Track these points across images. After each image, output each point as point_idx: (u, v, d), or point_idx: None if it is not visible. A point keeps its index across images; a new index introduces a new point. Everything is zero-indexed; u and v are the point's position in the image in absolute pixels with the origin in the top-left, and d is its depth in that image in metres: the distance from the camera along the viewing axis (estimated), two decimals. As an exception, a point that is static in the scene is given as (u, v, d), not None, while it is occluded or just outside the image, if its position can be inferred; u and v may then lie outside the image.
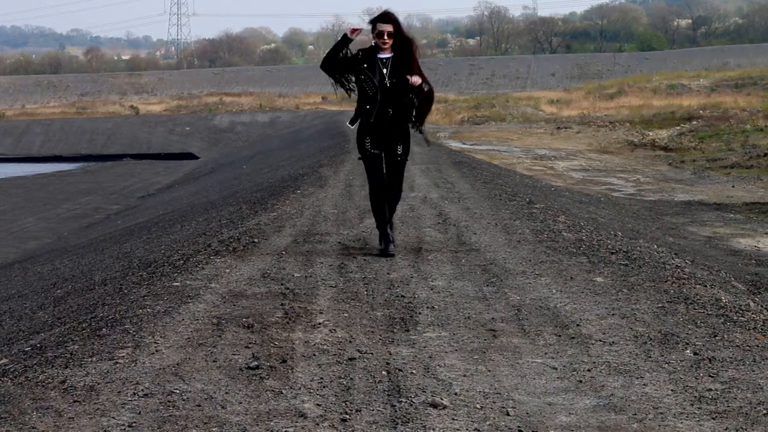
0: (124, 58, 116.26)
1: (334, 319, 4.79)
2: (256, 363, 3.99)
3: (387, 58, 6.66)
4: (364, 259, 6.47)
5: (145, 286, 5.78)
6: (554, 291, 5.43)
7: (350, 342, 4.38)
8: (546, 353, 4.22)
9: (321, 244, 7.05)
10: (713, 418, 3.42)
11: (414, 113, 6.73)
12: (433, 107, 6.95)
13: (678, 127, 28.94)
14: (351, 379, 3.85)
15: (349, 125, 6.92)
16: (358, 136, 6.76)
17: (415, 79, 6.56)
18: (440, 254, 6.63)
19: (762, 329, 4.65)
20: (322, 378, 3.86)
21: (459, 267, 6.17)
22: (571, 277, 5.80)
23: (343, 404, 3.55)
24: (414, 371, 3.96)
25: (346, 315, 4.88)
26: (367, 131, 6.69)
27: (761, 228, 10.92)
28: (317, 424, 3.36)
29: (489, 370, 3.98)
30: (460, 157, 17.58)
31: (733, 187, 16.31)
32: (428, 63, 70.89)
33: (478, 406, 3.55)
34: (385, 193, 6.77)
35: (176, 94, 69.12)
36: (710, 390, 3.71)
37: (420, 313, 4.93)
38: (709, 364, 4.03)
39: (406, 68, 6.62)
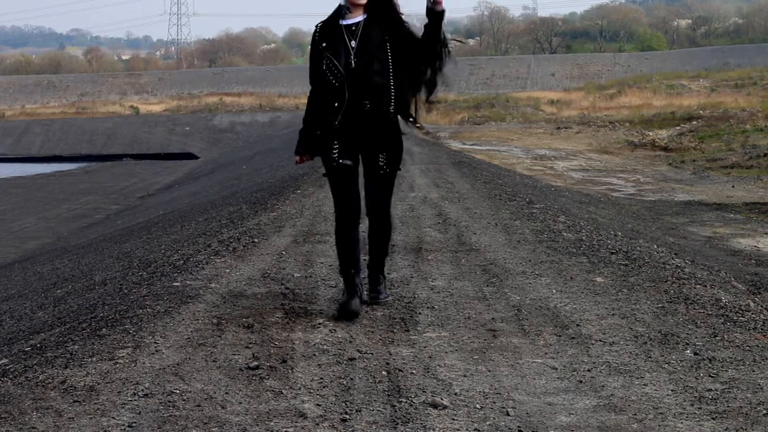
0: (124, 58, 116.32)
1: (334, 319, 4.79)
2: (256, 363, 3.99)
3: (356, 24, 4.62)
4: (365, 260, 6.46)
5: (145, 286, 5.78)
6: (554, 291, 5.43)
7: (350, 342, 4.38)
8: (546, 353, 4.22)
9: (321, 244, 7.04)
10: (713, 418, 3.42)
11: (418, 89, 4.79)
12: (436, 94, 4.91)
13: (678, 127, 28.94)
14: (351, 379, 3.85)
15: (298, 158, 4.89)
16: (322, 141, 4.76)
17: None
18: (440, 254, 6.63)
19: (762, 329, 4.66)
20: (322, 378, 3.86)
21: (459, 267, 6.17)
22: (571, 277, 5.80)
23: (343, 404, 3.55)
24: (414, 371, 3.96)
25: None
26: (333, 134, 4.71)
27: (761, 228, 10.91)
28: (317, 424, 3.35)
29: (489, 370, 3.98)
30: (460, 157, 17.58)
31: (733, 187, 16.30)
32: (428, 63, 70.76)
33: (478, 406, 3.55)
34: (357, 223, 4.91)
35: (176, 94, 69.10)
36: (710, 390, 3.71)
37: (420, 313, 4.93)
38: (709, 364, 4.03)
39: (389, 31, 4.62)
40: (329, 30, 4.67)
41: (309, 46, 4.84)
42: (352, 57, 4.58)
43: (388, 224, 5.03)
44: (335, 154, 4.71)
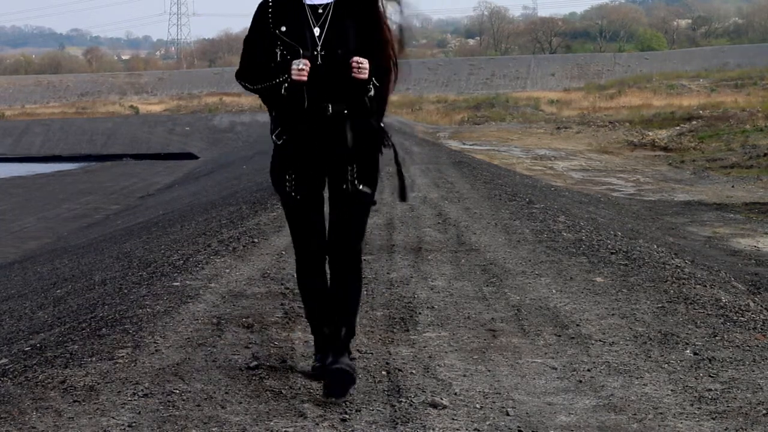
0: (124, 58, 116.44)
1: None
2: (256, 363, 3.99)
3: (324, 6, 3.57)
4: (364, 260, 6.46)
5: (145, 286, 5.78)
6: (554, 291, 5.43)
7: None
8: (546, 353, 4.22)
9: (321, 244, 7.03)
10: (713, 418, 3.42)
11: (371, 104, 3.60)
12: (395, 87, 3.71)
13: (678, 127, 28.97)
14: (351, 379, 3.85)
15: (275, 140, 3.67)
16: (275, 160, 3.70)
17: (363, 65, 3.49)
18: (440, 254, 6.63)
19: (762, 329, 4.66)
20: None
21: (459, 267, 6.17)
22: (571, 277, 5.80)
23: (343, 404, 3.55)
24: (414, 371, 3.95)
25: (346, 315, 4.87)
26: (289, 151, 3.64)
27: (761, 228, 10.91)
28: (317, 424, 3.35)
29: (489, 370, 3.98)
30: (460, 157, 17.59)
31: (732, 187, 16.30)
32: (428, 63, 70.91)
33: (478, 406, 3.55)
34: (323, 265, 3.80)
35: (176, 94, 69.12)
36: (710, 390, 3.71)
37: (420, 313, 4.93)
38: (709, 364, 4.03)
39: (360, 25, 3.57)
40: (288, 8, 3.60)
41: (251, 22, 3.72)
42: (318, 47, 3.53)
43: (358, 267, 3.79)
44: (290, 183, 3.67)
